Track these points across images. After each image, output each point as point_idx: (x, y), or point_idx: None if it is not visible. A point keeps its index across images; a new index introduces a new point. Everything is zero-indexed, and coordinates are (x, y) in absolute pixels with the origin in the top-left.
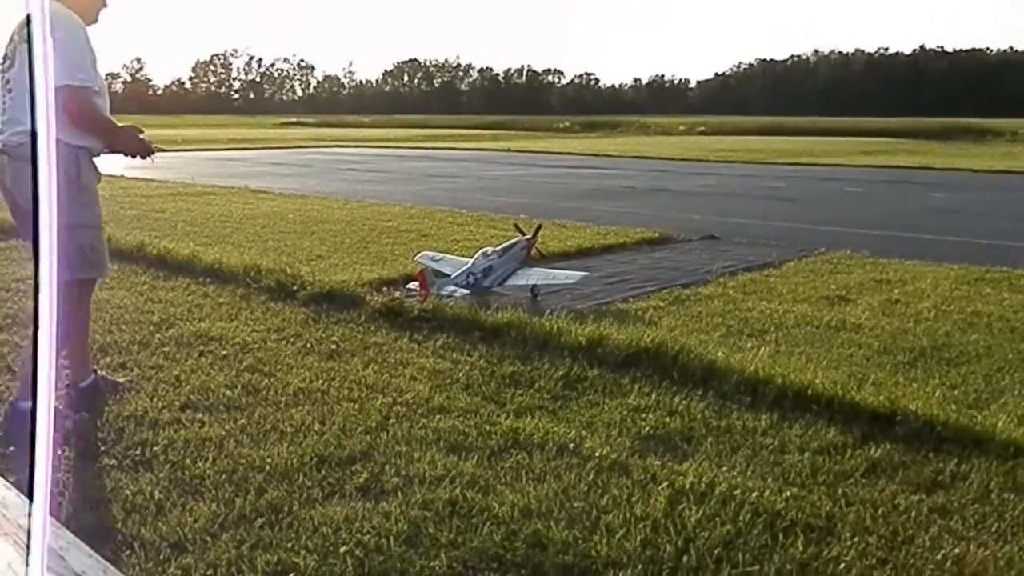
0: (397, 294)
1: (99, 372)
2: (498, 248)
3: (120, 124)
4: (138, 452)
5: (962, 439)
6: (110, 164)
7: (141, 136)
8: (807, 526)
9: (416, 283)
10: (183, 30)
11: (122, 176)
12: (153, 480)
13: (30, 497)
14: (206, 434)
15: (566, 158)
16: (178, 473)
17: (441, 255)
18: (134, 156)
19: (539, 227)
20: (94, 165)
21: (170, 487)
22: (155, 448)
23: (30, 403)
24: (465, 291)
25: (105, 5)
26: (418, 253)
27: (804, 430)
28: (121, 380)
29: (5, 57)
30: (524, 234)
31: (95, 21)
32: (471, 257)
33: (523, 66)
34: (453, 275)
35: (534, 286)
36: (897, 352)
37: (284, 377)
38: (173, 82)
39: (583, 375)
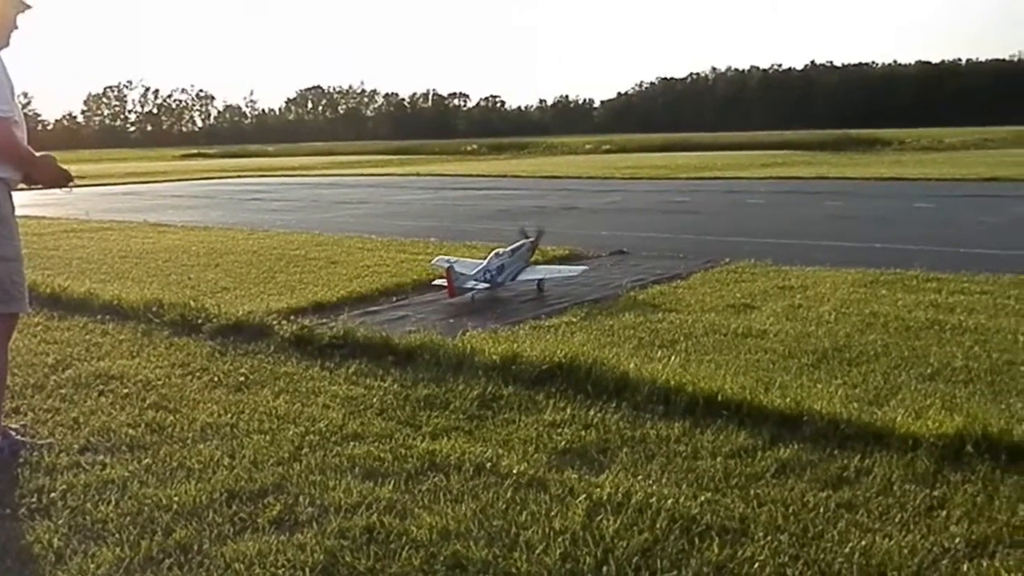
0: (306, 322)
1: (14, 431)
2: (508, 249)
3: (37, 154)
4: (34, 499)
5: (864, 435)
6: None
7: (59, 166)
8: (722, 529)
9: (443, 280)
10: (73, 62)
11: None
12: (51, 527)
13: None
14: (108, 476)
15: (475, 180)
16: (78, 518)
17: (456, 258)
18: (52, 187)
19: (540, 232)
20: (11, 197)
21: (70, 533)
22: (53, 494)
23: None
24: (485, 285)
25: (16, 27)
26: (434, 258)
27: (716, 435)
28: (41, 442)
29: None
30: (528, 237)
31: (7, 45)
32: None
33: (429, 90)
34: (472, 272)
35: (540, 280)
36: (801, 355)
37: (190, 413)
38: (64, 116)
39: (498, 393)
